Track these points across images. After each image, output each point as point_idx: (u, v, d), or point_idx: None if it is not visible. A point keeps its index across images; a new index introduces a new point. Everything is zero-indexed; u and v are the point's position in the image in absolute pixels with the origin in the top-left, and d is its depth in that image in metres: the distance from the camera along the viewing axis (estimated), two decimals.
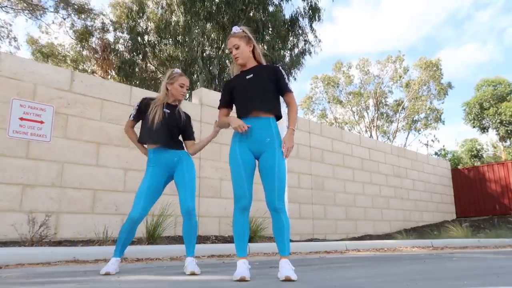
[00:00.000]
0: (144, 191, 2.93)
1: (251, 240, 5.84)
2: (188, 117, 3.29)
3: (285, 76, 2.79)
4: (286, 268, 2.45)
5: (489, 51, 55.37)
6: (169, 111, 3.14)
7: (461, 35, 56.61)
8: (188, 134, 3.28)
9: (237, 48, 2.73)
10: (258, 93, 2.68)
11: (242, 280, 2.38)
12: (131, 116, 3.22)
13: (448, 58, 53.71)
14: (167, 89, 3.18)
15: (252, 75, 2.74)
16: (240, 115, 2.74)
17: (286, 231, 2.56)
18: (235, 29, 2.80)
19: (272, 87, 2.72)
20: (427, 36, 54.95)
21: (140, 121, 3.22)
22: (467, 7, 53.67)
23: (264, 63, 2.85)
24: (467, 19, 55.02)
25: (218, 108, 2.90)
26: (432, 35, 55.47)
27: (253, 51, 2.80)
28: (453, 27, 56.43)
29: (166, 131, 3.07)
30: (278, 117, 2.76)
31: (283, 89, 2.75)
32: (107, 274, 2.75)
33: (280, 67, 2.82)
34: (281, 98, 2.80)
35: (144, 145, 3.21)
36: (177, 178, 3.07)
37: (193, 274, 2.81)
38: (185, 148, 3.26)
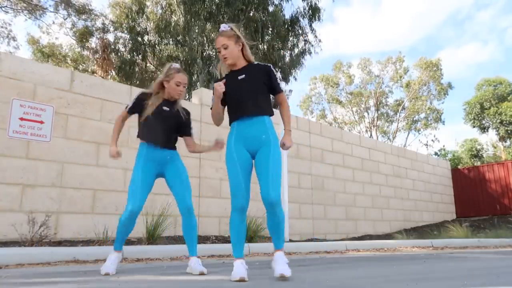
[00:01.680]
0: (140, 185, 2.86)
1: (251, 240, 5.84)
2: (188, 114, 3.22)
3: (276, 76, 2.74)
4: (280, 264, 2.45)
5: (489, 51, 55.38)
6: (168, 109, 3.04)
7: (461, 35, 56.60)
8: (188, 130, 3.21)
9: (225, 48, 2.65)
10: (251, 95, 2.62)
11: (242, 280, 2.38)
12: (127, 108, 3.10)
13: (448, 58, 53.73)
14: (163, 86, 3.07)
15: (244, 75, 2.67)
16: (233, 119, 2.66)
17: (282, 225, 2.54)
18: (223, 27, 2.70)
19: (264, 88, 2.68)
20: (427, 36, 54.97)
21: (137, 115, 3.10)
22: (468, 7, 53.68)
23: (254, 61, 2.78)
24: (467, 19, 55.02)
25: (212, 108, 2.76)
26: (433, 35, 55.48)
27: (242, 50, 2.72)
28: (454, 27, 56.43)
29: (166, 130, 3.01)
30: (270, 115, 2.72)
31: (275, 90, 2.72)
32: (107, 274, 2.75)
33: (271, 66, 2.76)
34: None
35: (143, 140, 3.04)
36: (173, 177, 3.01)
37: (202, 274, 2.79)
38: (185, 145, 3.21)
